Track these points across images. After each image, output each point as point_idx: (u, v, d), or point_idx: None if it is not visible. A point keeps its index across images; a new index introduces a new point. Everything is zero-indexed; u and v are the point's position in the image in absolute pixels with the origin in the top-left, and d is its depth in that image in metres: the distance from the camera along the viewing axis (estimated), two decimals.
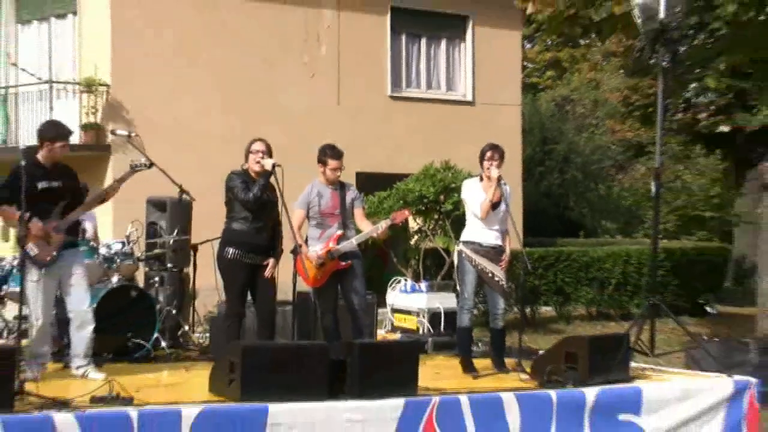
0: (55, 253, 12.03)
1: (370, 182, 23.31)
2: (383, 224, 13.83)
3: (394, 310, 18.63)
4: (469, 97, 31.46)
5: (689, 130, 38.93)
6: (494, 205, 13.36)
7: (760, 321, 21.83)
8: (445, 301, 17.55)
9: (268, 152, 13.10)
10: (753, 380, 13.03)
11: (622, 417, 12.03)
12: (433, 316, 17.67)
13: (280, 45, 27.58)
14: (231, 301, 13.40)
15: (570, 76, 47.25)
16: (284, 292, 13.78)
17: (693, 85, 29.63)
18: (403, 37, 30.39)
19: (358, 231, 13.64)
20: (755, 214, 30.33)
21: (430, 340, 16.71)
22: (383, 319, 18.44)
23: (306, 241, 13.56)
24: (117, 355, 13.72)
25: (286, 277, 13.47)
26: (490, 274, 13.43)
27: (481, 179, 13.59)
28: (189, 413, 9.92)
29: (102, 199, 12.66)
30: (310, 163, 13.73)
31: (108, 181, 14.38)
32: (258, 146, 13.12)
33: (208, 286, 15.10)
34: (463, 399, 11.25)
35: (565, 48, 37.23)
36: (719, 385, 12.80)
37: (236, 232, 13.08)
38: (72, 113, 24.11)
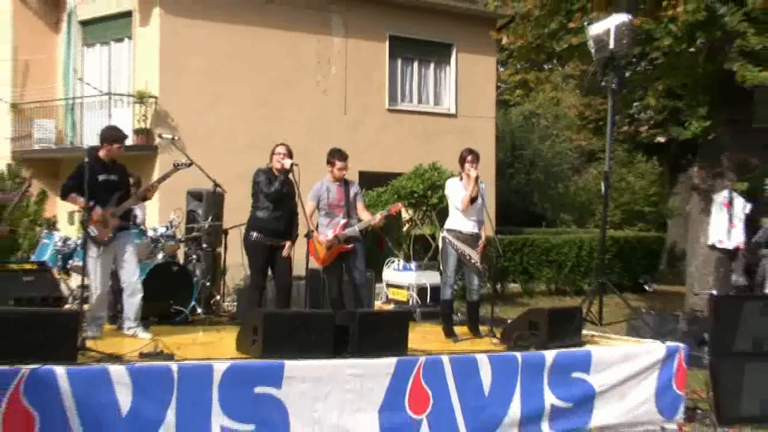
0: (111, 235, 12.13)
1: (370, 180, 23.38)
2: (380, 215, 13.92)
3: (389, 285, 18.64)
4: (453, 111, 31.44)
5: (632, 140, 38.87)
6: (472, 200, 13.39)
7: (688, 297, 21.94)
8: (431, 278, 17.58)
9: (289, 154, 13.20)
10: (681, 345, 13.05)
11: (575, 375, 12.06)
12: (421, 291, 17.70)
13: (297, 67, 27.59)
14: (254, 276, 13.51)
15: (535, 95, 47.22)
16: (298, 269, 13.86)
17: (636, 103, 29.46)
18: (399, 61, 30.37)
19: (360, 220, 13.69)
20: (685, 210, 30.44)
21: (418, 310, 16.77)
22: (380, 292, 18.46)
23: (317, 228, 13.64)
24: (161, 318, 13.76)
25: (300, 257, 13.56)
26: (468, 257, 13.48)
27: (461, 178, 13.63)
28: (219, 367, 9.99)
29: (144, 196, 12.80)
30: (321, 163, 13.78)
31: (155, 175, 14.48)
32: (281, 149, 13.24)
33: (236, 263, 15.17)
34: (445, 359, 11.28)
35: (532, 71, 37.13)
36: (654, 349, 12.82)
37: (259, 219, 13.19)
38: (126, 120, 24.14)
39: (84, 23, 28.05)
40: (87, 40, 28.15)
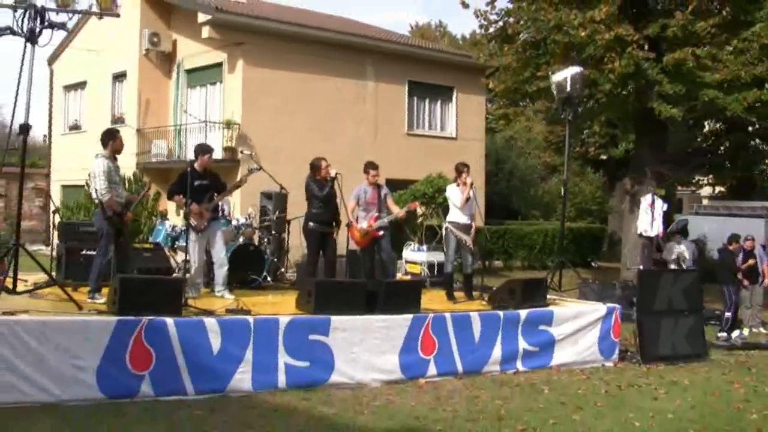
0: (206, 224, 12.13)
1: (393, 185, 23.27)
2: (402, 211, 14.03)
3: (407, 262, 18.66)
4: (454, 135, 31.32)
5: (583, 157, 38.86)
6: (467, 199, 13.41)
7: (622, 271, 21.98)
8: (437, 257, 17.58)
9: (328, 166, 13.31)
10: (617, 306, 13.07)
11: (541, 327, 12.02)
12: (430, 266, 17.72)
13: (340, 103, 27.52)
14: (310, 254, 13.47)
15: (513, 124, 46.96)
16: (341, 249, 13.85)
17: (585, 130, 29.44)
18: (415, 99, 30.26)
19: (389, 214, 13.68)
20: (620, 208, 30.37)
21: (428, 280, 16.78)
22: (400, 267, 18.45)
23: (356, 220, 13.62)
24: (241, 284, 13.72)
25: (343, 241, 13.55)
26: (464, 241, 13.44)
27: (458, 184, 13.62)
28: (283, 320, 10.01)
29: (228, 193, 12.88)
30: (359, 172, 13.75)
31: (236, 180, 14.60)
32: (324, 162, 13.23)
33: (296, 245, 15.17)
34: (447, 315, 11.27)
35: (511, 107, 36.96)
36: (598, 308, 12.79)
37: (314, 213, 13.16)
38: (217, 141, 24.12)
39: (188, 71, 28.08)
40: (190, 83, 28.18)
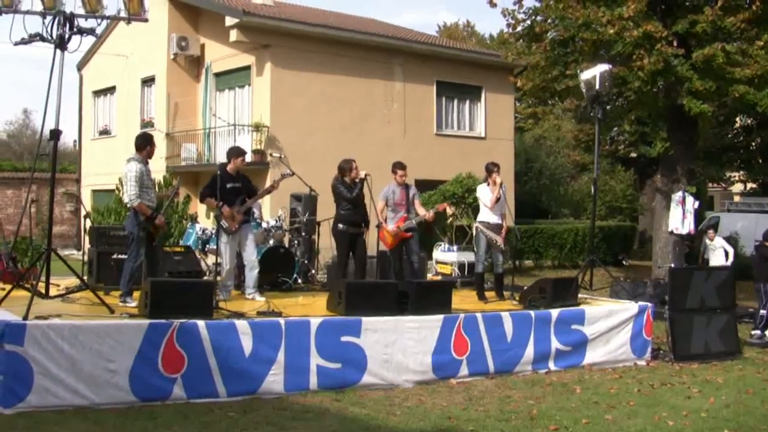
0: (237, 226, 12.17)
1: (423, 186, 23.26)
2: (431, 211, 14.01)
3: (438, 262, 18.61)
4: (483, 135, 31.31)
5: (613, 156, 38.74)
6: (497, 199, 13.40)
7: (654, 269, 21.81)
8: (468, 257, 17.53)
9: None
10: (649, 304, 13.00)
11: (573, 326, 11.98)
12: (461, 266, 17.67)
13: (370, 104, 27.58)
14: (339, 255, 13.49)
15: (542, 123, 46.94)
16: (371, 250, 13.86)
17: (615, 128, 29.30)
18: (443, 99, 30.29)
19: (417, 214, 13.67)
20: (651, 206, 30.22)
21: (459, 280, 16.73)
22: (431, 267, 18.43)
23: (385, 220, 13.63)
24: (272, 286, 13.77)
25: (373, 242, 13.56)
26: (494, 241, 13.42)
27: (488, 184, 13.61)
28: (315, 322, 10.02)
29: (259, 197, 12.95)
30: (388, 172, 13.75)
31: (268, 183, 14.54)
32: (354, 164, 13.24)
33: (326, 246, 15.17)
34: (479, 315, 11.24)
35: (540, 106, 36.94)
36: (630, 307, 12.73)
37: (343, 215, 13.18)
38: (246, 143, 24.18)
39: (217, 75, 28.22)
40: (219, 86, 28.32)
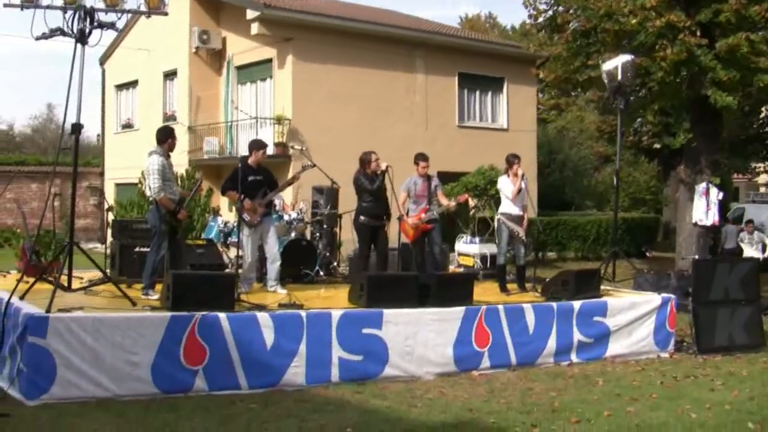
0: (258, 219, 12.22)
1: (445, 178, 23.17)
2: (453, 202, 14.10)
3: (460, 254, 18.57)
4: (505, 126, 31.25)
5: (636, 147, 38.49)
6: (518, 191, 13.42)
7: (677, 261, 21.70)
8: (490, 248, 17.45)
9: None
10: (672, 296, 12.93)
11: (595, 318, 11.95)
12: (483, 258, 17.63)
13: (392, 96, 27.56)
14: (361, 248, 13.52)
15: (565, 114, 46.82)
16: (393, 242, 13.89)
17: (638, 119, 29.20)
18: (465, 91, 30.22)
19: (439, 206, 13.68)
20: (675, 197, 30.09)
21: (481, 272, 16.67)
22: (453, 259, 18.41)
23: (407, 213, 13.64)
24: (294, 279, 13.80)
25: (395, 234, 13.58)
26: (516, 233, 13.43)
27: (509, 176, 13.62)
28: (336, 314, 10.05)
29: (281, 189, 12.98)
30: (410, 164, 13.76)
31: (289, 176, 14.58)
32: (374, 156, 13.24)
33: (348, 239, 15.22)
34: (500, 308, 11.24)
35: (562, 97, 36.83)
36: (653, 299, 12.68)
37: (364, 207, 13.18)
38: (268, 136, 24.20)
39: (238, 68, 28.27)
40: (240, 79, 28.38)
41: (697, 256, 17.63)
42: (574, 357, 11.76)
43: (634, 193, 38.62)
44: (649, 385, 10.40)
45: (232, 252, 13.99)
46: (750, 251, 19.97)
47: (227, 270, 13.56)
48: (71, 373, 8.44)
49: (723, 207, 22.31)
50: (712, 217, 19.97)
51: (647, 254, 31.27)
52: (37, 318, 8.47)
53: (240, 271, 12.04)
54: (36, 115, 66.89)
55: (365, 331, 10.17)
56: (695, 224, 20.29)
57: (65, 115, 10.19)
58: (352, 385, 9.71)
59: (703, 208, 19.90)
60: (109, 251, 13.91)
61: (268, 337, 9.54)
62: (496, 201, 16.53)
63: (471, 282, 11.80)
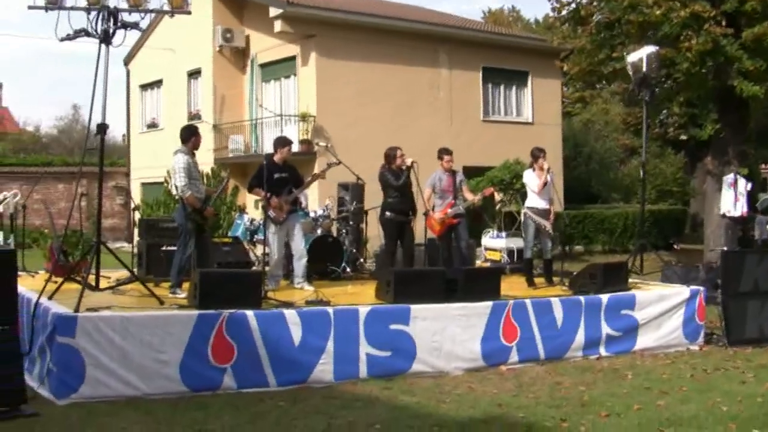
0: (284, 216, 12.25)
1: (470, 172, 23.16)
2: (478, 197, 14.11)
3: (486, 249, 18.54)
4: (530, 120, 31.21)
5: (663, 139, 38.19)
6: (544, 185, 13.38)
7: (706, 253, 21.63)
8: (517, 243, 17.39)
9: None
10: (701, 288, 12.85)
11: (624, 311, 11.89)
12: (510, 252, 17.59)
13: (416, 91, 27.55)
14: (387, 244, 13.52)
15: (590, 107, 46.58)
16: (419, 238, 13.89)
17: (664, 111, 29.02)
18: (490, 85, 30.19)
19: (465, 200, 13.67)
20: (702, 189, 29.92)
21: (508, 266, 16.62)
22: (480, 254, 18.38)
23: (432, 208, 13.63)
24: (320, 275, 13.81)
25: (421, 229, 13.57)
26: (543, 226, 13.41)
27: (534, 169, 13.60)
28: (363, 310, 10.05)
29: (306, 186, 13.01)
30: (435, 160, 13.76)
31: (314, 172, 14.60)
32: (400, 152, 13.25)
33: (374, 235, 15.23)
34: (528, 302, 11.22)
35: (587, 89, 36.64)
36: (681, 292, 12.60)
37: (390, 203, 13.20)
38: (293, 133, 24.26)
39: (262, 66, 28.35)
40: (264, 77, 28.46)
41: (725, 248, 17.53)
42: (602, 350, 11.70)
43: (661, 185, 38.42)
44: (678, 378, 10.33)
45: (259, 249, 14.01)
46: None
47: (254, 268, 13.59)
48: (100, 372, 8.47)
49: (751, 197, 22.15)
50: (740, 208, 19.86)
51: (675, 246, 31.09)
52: (66, 318, 8.51)
53: (267, 268, 12.08)
54: (62, 116, 67.35)
55: (393, 326, 10.15)
56: (723, 215, 20.19)
57: (90, 115, 10.30)
58: (380, 381, 9.70)
59: (731, 199, 19.79)
60: (136, 250, 13.97)
61: (296, 334, 9.54)
62: (522, 195, 16.50)
63: (498, 276, 11.78)
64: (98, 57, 10.02)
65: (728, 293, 12.68)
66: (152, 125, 34.20)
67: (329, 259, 14.42)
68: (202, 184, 11.83)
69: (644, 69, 15.93)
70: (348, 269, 14.93)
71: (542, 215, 13.49)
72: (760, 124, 26.68)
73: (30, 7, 10.13)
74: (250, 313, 9.32)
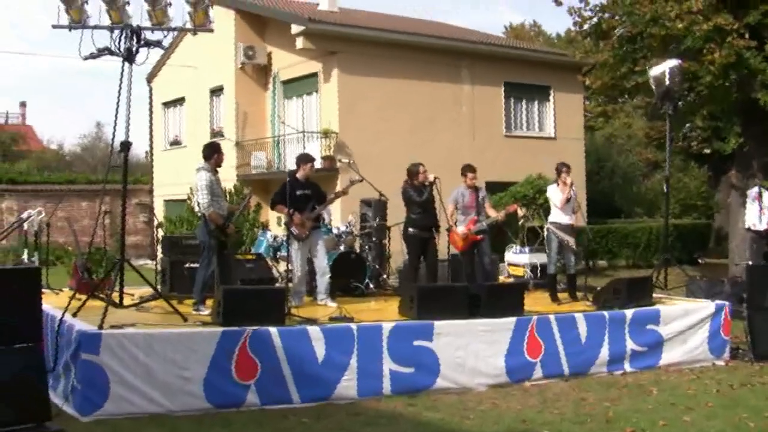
0: (307, 233, 12.30)
1: (493, 187, 23.14)
2: (502, 213, 14.15)
3: (510, 264, 18.49)
4: (553, 135, 31.11)
5: (686, 152, 38.19)
6: (567, 200, 13.36)
7: (730, 267, 21.48)
8: (540, 258, 17.37)
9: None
10: (726, 303, 12.79)
11: (648, 326, 11.85)
12: (533, 268, 17.54)
13: (438, 107, 27.52)
14: (411, 260, 13.55)
15: (613, 121, 46.50)
16: (442, 254, 13.87)
17: (687, 124, 28.97)
18: (512, 100, 30.13)
19: (488, 217, 13.67)
20: (727, 202, 29.80)
21: (531, 282, 16.56)
22: (503, 270, 18.34)
23: (455, 224, 13.64)
24: (344, 292, 13.82)
25: (444, 245, 13.56)
26: (566, 242, 13.38)
27: (558, 184, 13.58)
28: (387, 326, 10.05)
29: (329, 203, 13.07)
30: (457, 175, 13.76)
31: (337, 189, 14.65)
32: (422, 168, 13.28)
33: (397, 250, 15.22)
34: (552, 317, 11.20)
35: (609, 104, 36.65)
36: (706, 306, 12.55)
37: (413, 218, 13.23)
38: (316, 150, 24.27)
39: (284, 83, 28.41)
40: (286, 94, 28.52)
41: (750, 262, 17.40)
42: (627, 366, 11.66)
43: (685, 200, 38.22)
44: (704, 394, 10.28)
45: (282, 266, 14.04)
46: None
47: (277, 284, 13.62)
48: (124, 389, 8.52)
49: None
50: (765, 222, 19.69)
51: (699, 261, 30.96)
52: (90, 335, 8.56)
53: (290, 285, 12.09)
54: (85, 134, 67.70)
55: (416, 343, 10.15)
56: (748, 229, 20.03)
57: (114, 133, 10.32)
58: (404, 398, 9.70)
59: (756, 212, 19.62)
60: (159, 267, 14.05)
61: (320, 350, 9.56)
62: (546, 210, 16.48)
63: (521, 292, 11.77)
64: (121, 75, 10.10)
65: (754, 307, 12.59)
66: (175, 143, 34.33)
67: (352, 275, 14.44)
68: (224, 201, 11.88)
69: (667, 82, 15.90)
70: (371, 285, 14.94)
71: (566, 230, 13.47)
72: None
73: (54, 26, 10.22)
74: (273, 330, 9.34)
